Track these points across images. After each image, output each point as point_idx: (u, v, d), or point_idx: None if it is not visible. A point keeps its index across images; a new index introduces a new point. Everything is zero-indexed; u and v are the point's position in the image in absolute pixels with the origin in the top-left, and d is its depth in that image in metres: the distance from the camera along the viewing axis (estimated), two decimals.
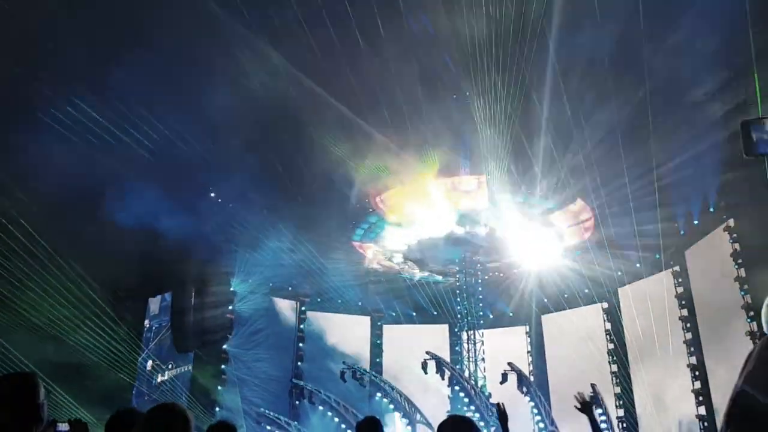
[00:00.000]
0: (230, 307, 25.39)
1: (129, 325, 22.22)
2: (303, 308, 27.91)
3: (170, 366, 24.04)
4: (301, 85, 19.15)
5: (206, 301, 24.18)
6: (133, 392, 22.88)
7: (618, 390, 24.41)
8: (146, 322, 25.33)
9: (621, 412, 24.06)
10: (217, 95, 18.55)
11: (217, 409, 23.16)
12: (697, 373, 21.62)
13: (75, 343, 19.34)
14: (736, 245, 20.19)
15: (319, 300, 27.90)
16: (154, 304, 25.72)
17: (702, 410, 21.07)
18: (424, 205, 24.44)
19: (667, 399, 22.66)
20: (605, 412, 22.24)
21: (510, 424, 3.66)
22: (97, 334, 19.98)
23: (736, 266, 19.97)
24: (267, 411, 23.14)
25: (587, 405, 6.16)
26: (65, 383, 18.23)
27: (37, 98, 16.94)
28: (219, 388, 23.83)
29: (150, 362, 23.97)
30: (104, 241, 19.29)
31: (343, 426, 22.48)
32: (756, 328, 18.14)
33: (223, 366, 24.34)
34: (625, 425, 23.79)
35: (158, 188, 19.60)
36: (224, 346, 24.73)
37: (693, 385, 21.65)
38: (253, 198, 22.10)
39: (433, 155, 23.43)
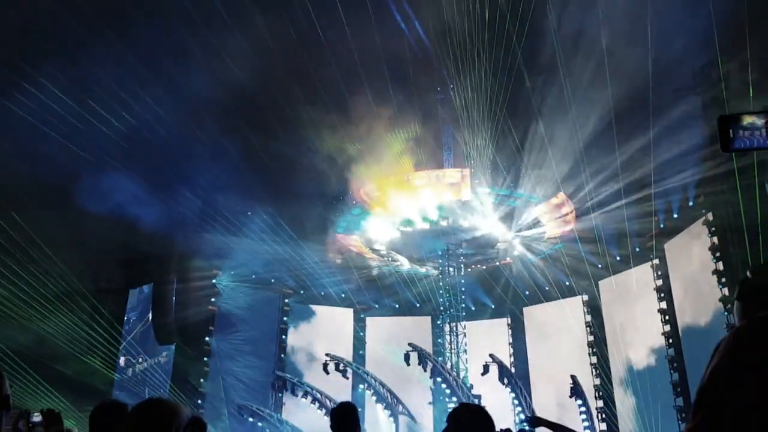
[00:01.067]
0: (212, 300, 25.29)
1: (110, 316, 22.01)
2: (286, 300, 27.87)
3: (143, 359, 23.81)
4: (283, 72, 18.95)
5: (188, 294, 24.05)
6: (114, 383, 22.73)
7: (598, 381, 24.73)
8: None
9: (600, 404, 24.39)
10: (194, 79, 18.18)
11: (199, 401, 23.09)
12: (675, 365, 21.98)
13: (53, 334, 19.14)
14: (714, 239, 20.50)
15: (302, 292, 27.86)
16: (133, 296, 25.50)
17: (680, 401, 21.43)
18: (407, 197, 24.48)
19: (645, 391, 23.02)
20: (585, 404, 22.54)
21: (491, 415, 3.67)
22: (78, 326, 19.80)
23: (714, 259, 20.27)
24: (249, 403, 23.13)
25: (535, 422, 6.25)
26: (44, 374, 18.06)
27: (3, 82, 16.38)
28: (201, 380, 23.75)
29: (122, 359, 23.69)
30: (84, 232, 18.99)
31: (326, 417, 22.52)
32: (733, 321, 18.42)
33: (205, 358, 24.26)
34: (604, 416, 24.12)
35: (135, 176, 19.25)
36: (206, 339, 24.64)
37: (671, 377, 22.00)
38: (235, 189, 21.93)
39: (417, 148, 23.49)
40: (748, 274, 1.30)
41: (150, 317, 24.45)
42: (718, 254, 20.23)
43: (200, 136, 20.36)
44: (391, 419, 24.56)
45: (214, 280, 25.43)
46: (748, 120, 1.94)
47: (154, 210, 19.92)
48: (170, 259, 23.31)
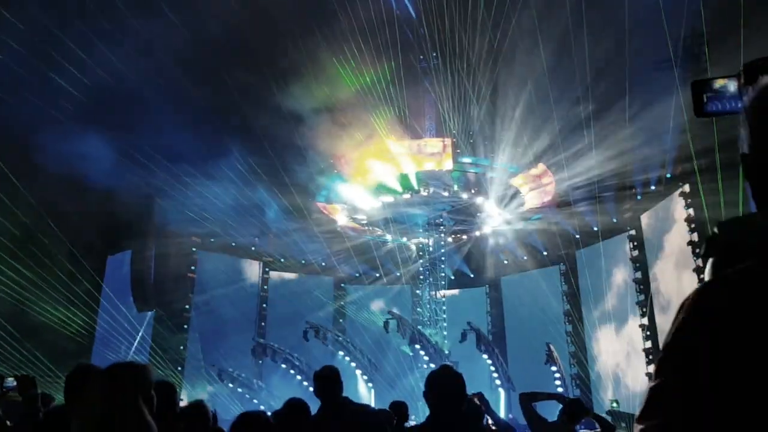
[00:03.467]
0: (192, 268, 25.21)
1: (88, 283, 21.85)
2: (266, 269, 27.88)
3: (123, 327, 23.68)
4: (259, 21, 18.30)
5: (167, 261, 23.93)
6: (93, 351, 22.67)
7: (573, 349, 25.29)
8: None
9: (575, 370, 24.99)
10: (164, 30, 17.31)
11: (179, 368, 23.19)
12: (648, 333, 22.53)
13: (32, 301, 18.98)
14: (690, 210, 20.86)
15: (282, 260, 27.88)
16: (112, 263, 25.27)
17: (651, 369, 21.99)
18: (388, 167, 24.43)
19: (618, 358, 23.63)
20: (559, 370, 23.06)
21: (468, 382, 3.80)
22: (56, 292, 19.65)
23: (690, 231, 20.65)
24: (230, 368, 23.29)
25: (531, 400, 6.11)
26: (22, 342, 17.96)
27: None
28: (181, 347, 23.81)
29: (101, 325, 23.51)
30: (59, 196, 18.56)
31: (306, 383, 22.77)
32: None
33: (185, 326, 24.28)
34: (578, 382, 24.73)
35: (101, 136, 18.55)
36: (186, 306, 24.63)
37: (644, 344, 22.56)
38: (214, 156, 21.64)
39: (399, 117, 23.39)
40: (714, 230, 1.20)
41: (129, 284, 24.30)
42: (693, 225, 20.61)
43: (174, 94, 19.56)
44: (370, 385, 24.93)
45: (194, 248, 25.31)
46: (720, 83, 1.98)
47: (130, 174, 19.53)
48: (149, 226, 23.10)
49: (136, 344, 23.00)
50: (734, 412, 0.87)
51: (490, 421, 5.84)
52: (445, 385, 3.70)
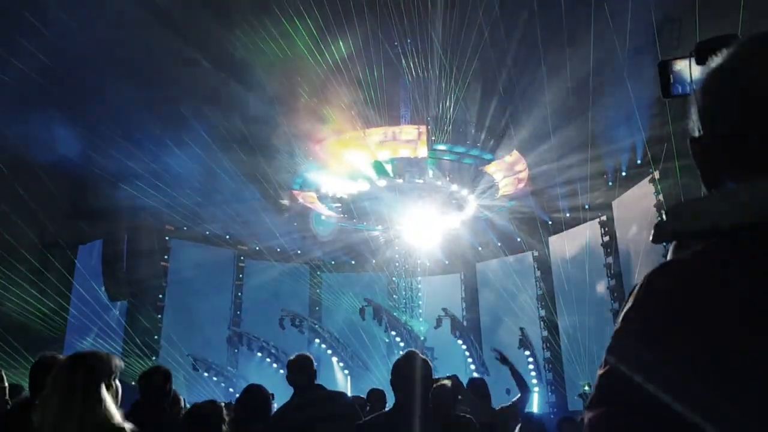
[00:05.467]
0: (165, 257, 24.91)
1: (58, 273, 21.46)
2: (241, 257, 27.69)
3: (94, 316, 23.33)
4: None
5: (139, 249, 23.60)
6: (65, 341, 22.30)
7: (545, 334, 25.67)
8: None
9: (548, 354, 25.38)
10: None
11: (154, 358, 22.96)
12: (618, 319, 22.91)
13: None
14: (660, 196, 21.22)
15: (257, 248, 27.70)
16: (83, 252, 24.82)
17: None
18: (363, 154, 24.37)
19: (591, 343, 24.04)
20: (533, 354, 23.42)
21: (443, 367, 3.84)
22: (27, 282, 19.27)
23: (659, 216, 20.96)
24: (205, 357, 23.16)
25: (505, 359, 7.24)
26: None
27: None
28: (155, 336, 23.58)
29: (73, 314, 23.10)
30: (25, 184, 18.05)
31: (282, 372, 22.78)
32: None
33: (159, 315, 24.03)
34: (551, 366, 25.14)
35: (65, 118, 17.96)
36: (160, 296, 24.36)
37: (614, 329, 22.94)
38: (185, 141, 21.21)
39: (373, 103, 23.28)
40: (663, 215, 1.18)
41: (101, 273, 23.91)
42: (663, 211, 20.91)
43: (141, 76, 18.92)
44: (346, 372, 25.03)
45: (167, 237, 25.01)
46: (679, 65, 1.98)
47: (100, 160, 19.06)
48: (121, 213, 22.70)
49: (108, 333, 22.69)
50: (678, 398, 0.85)
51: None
52: (408, 371, 3.73)
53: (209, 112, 20.90)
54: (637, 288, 1.07)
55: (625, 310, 1.05)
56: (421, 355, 4.02)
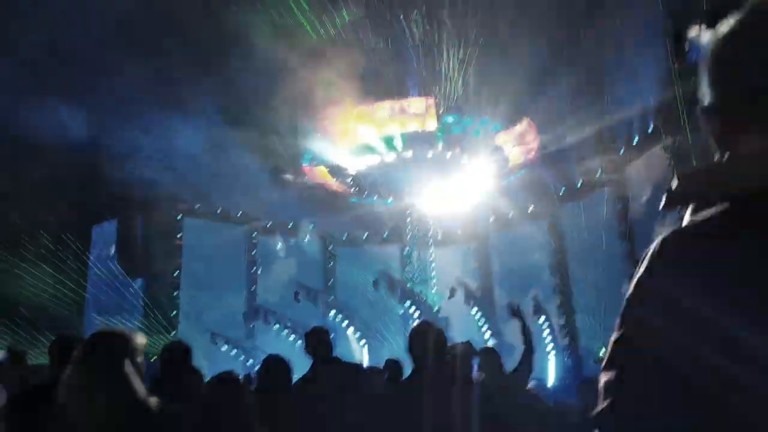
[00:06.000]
0: (179, 234, 25.10)
1: (74, 254, 21.76)
2: (254, 233, 27.84)
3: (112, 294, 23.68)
4: None
5: (153, 228, 23.82)
6: (84, 323, 22.71)
7: (559, 301, 25.72)
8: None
9: (563, 321, 25.46)
10: None
11: (174, 332, 23.33)
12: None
13: (17, 276, 18.88)
14: (672, 163, 20.97)
15: (270, 224, 27.83)
16: (96, 233, 25.10)
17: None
18: (372, 128, 24.26)
19: (606, 310, 24.05)
20: (548, 319, 23.49)
21: (457, 335, 3.93)
22: (45, 262, 19.56)
23: (670, 183, 20.75)
24: (222, 331, 23.52)
25: (517, 312, 7.16)
26: (12, 318, 17.95)
27: None
28: (173, 312, 23.90)
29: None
30: (36, 165, 18.17)
31: (299, 343, 23.11)
32: None
33: (175, 291, 24.33)
34: (566, 332, 25.23)
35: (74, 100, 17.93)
36: (174, 273, 24.62)
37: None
38: (195, 120, 21.21)
39: (381, 76, 23.08)
40: (674, 182, 1.17)
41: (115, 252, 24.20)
42: (674, 178, 20.72)
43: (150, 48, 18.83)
44: (362, 343, 25.32)
45: (180, 215, 25.17)
46: (696, 30, 1.95)
47: (108, 141, 19.08)
48: (132, 194, 22.85)
49: (128, 310, 23.08)
50: (689, 359, 0.87)
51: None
52: (423, 339, 3.81)
53: (214, 87, 20.84)
54: (648, 254, 1.09)
55: (636, 275, 1.06)
56: (435, 324, 4.09)
